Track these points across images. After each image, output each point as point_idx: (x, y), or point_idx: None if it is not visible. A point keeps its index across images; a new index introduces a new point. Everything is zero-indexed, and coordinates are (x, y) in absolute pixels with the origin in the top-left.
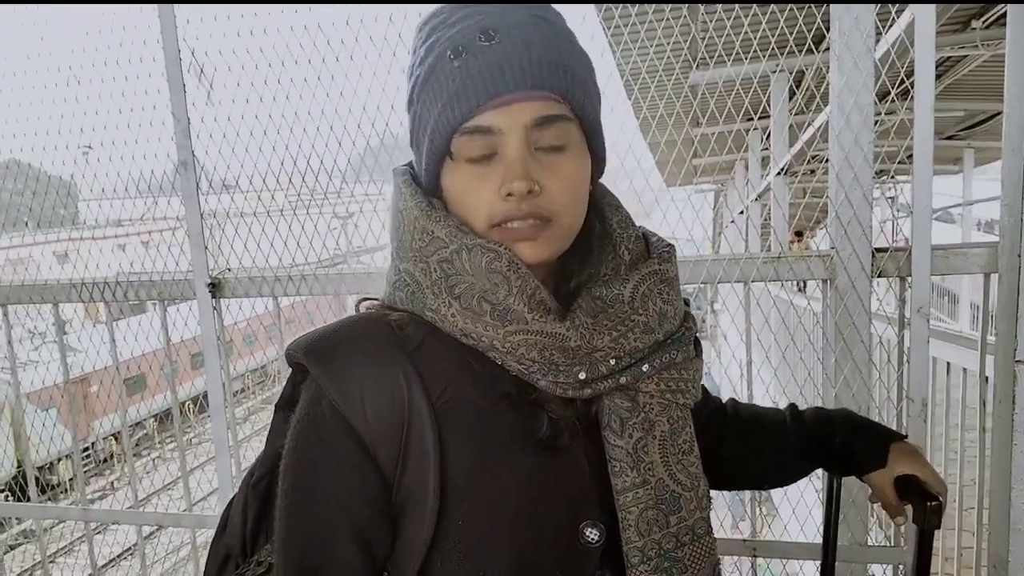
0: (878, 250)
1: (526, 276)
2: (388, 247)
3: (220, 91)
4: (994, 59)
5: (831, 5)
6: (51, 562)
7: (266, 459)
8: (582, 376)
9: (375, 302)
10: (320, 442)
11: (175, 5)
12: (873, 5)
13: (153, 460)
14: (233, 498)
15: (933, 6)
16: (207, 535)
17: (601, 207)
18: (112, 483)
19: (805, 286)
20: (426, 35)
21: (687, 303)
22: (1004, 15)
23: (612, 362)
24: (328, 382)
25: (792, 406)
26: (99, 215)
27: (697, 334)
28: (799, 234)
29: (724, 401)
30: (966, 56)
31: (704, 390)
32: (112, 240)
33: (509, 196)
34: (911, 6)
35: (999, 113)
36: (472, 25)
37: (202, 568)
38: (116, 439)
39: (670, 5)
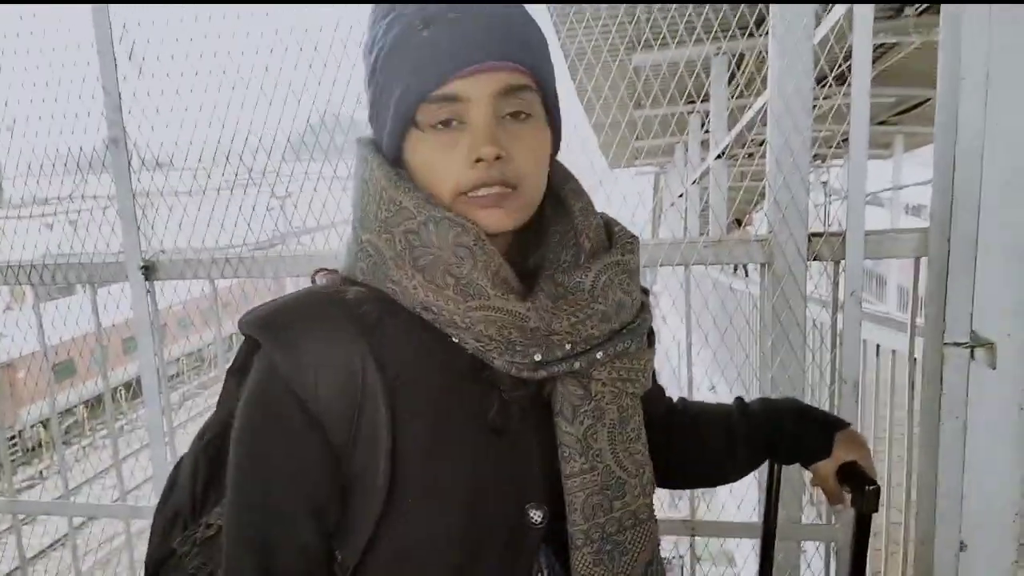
0: (813, 234)
1: (491, 252)
2: (326, 229)
3: (153, 64)
4: (926, 45)
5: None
6: None
7: (217, 422)
8: (537, 358)
9: (333, 275)
10: (272, 416)
11: None
12: None
13: (84, 448)
14: (182, 458)
15: None
16: (141, 525)
17: (564, 193)
18: (41, 472)
19: (747, 270)
20: (386, 12)
21: (646, 292)
22: (937, 3)
23: (568, 347)
24: (281, 358)
25: (739, 399)
26: (24, 193)
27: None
28: (738, 222)
29: (675, 400)
30: (898, 43)
31: (660, 388)
32: (39, 219)
33: (478, 162)
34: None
35: (929, 99)
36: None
37: (136, 558)
38: (44, 427)
39: None
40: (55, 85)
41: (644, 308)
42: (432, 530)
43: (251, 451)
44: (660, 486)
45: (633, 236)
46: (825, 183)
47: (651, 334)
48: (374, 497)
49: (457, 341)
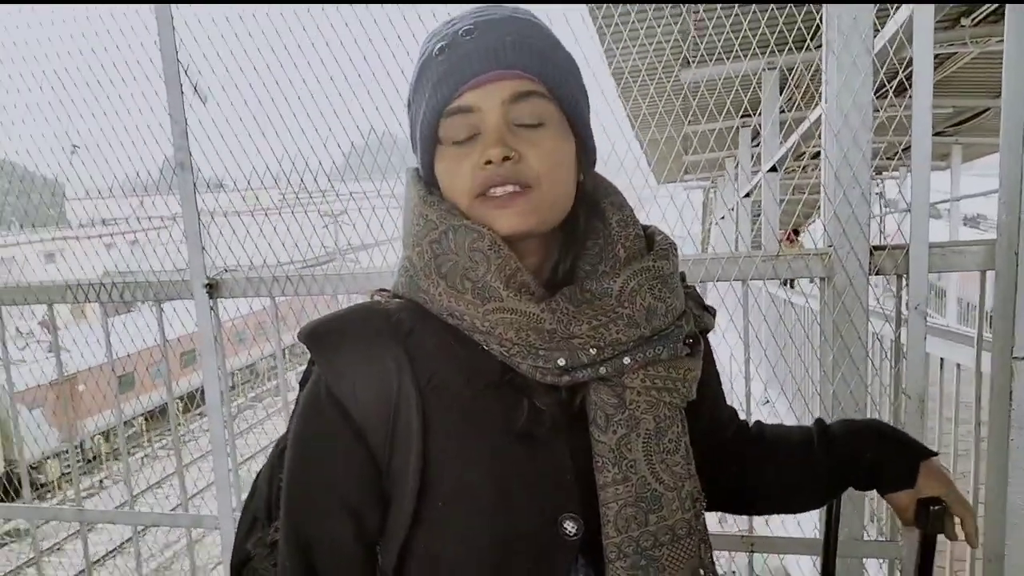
0: (875, 248)
1: (506, 257)
2: (378, 245)
3: (212, 90)
4: (982, 56)
5: (828, 4)
6: (46, 561)
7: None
8: (561, 362)
9: (386, 292)
10: (317, 422)
11: (172, 6)
12: (872, 5)
13: (142, 459)
14: (263, 467)
15: (932, 5)
16: (201, 532)
17: (603, 206)
18: (100, 481)
19: (793, 282)
20: (421, 49)
21: (711, 312)
22: (993, 13)
23: (593, 351)
24: (325, 365)
25: (819, 422)
26: (86, 215)
27: (709, 332)
28: (796, 232)
29: (751, 424)
30: (955, 53)
31: (732, 410)
32: (100, 240)
33: (487, 164)
34: (911, 4)
35: (987, 109)
36: (457, 27)
37: (197, 564)
38: (105, 438)
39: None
40: (117, 112)
41: (684, 316)
42: (463, 536)
43: (298, 453)
44: (732, 511)
45: (670, 243)
46: (880, 195)
47: (696, 343)
48: (407, 499)
49: (487, 348)
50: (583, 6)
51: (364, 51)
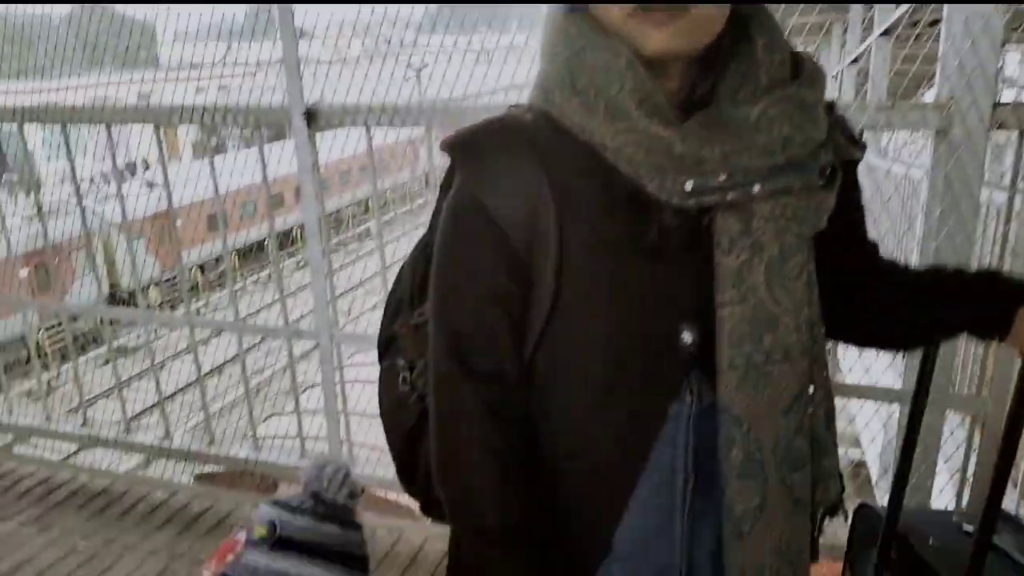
0: (997, 104)
1: (641, 78)
2: (460, 100)
3: None
4: None
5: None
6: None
7: (431, 229)
8: (688, 186)
9: (521, 107)
10: (463, 224)
11: None
12: None
13: (236, 292)
14: (406, 259)
15: None
16: (304, 346)
17: (751, 27)
18: (198, 310)
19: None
20: None
21: (859, 141)
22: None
23: (722, 177)
24: (469, 173)
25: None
26: (177, 57)
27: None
28: None
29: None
30: None
31: (874, 245)
32: (191, 82)
33: None
34: None
35: None
36: None
37: (298, 379)
38: (202, 271)
39: None
40: None
41: (824, 146)
42: (589, 328)
43: (446, 252)
44: (834, 337)
45: (819, 71)
46: (1000, 68)
47: (833, 174)
48: (546, 292)
49: (615, 165)
50: None
51: None
